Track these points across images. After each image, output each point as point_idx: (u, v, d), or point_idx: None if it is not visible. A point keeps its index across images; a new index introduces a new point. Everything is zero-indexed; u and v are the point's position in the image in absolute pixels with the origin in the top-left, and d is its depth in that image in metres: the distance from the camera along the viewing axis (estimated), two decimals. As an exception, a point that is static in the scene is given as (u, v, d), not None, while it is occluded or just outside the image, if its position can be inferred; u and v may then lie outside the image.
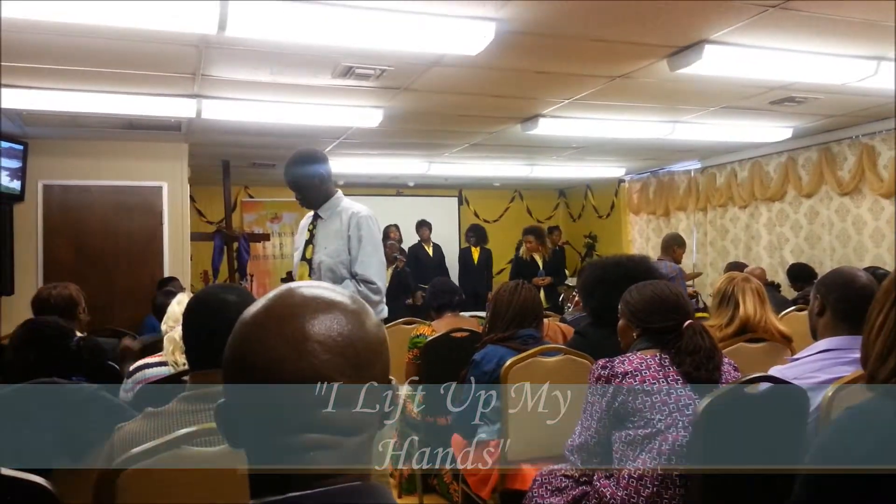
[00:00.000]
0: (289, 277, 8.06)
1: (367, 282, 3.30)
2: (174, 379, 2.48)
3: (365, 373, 0.86)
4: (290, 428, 0.83)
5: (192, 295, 2.10)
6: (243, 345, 0.86)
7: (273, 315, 0.87)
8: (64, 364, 2.45)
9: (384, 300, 3.44)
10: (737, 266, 6.17)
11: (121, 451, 1.64)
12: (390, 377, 0.94)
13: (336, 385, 0.83)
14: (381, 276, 3.36)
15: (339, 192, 3.52)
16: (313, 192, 3.43)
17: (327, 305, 0.87)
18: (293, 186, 3.44)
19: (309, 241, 3.48)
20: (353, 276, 3.31)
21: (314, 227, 3.50)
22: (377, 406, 0.90)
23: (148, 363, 2.82)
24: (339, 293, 0.91)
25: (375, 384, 0.89)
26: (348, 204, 3.48)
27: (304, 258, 3.48)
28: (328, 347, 0.84)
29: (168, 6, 3.11)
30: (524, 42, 3.85)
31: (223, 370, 0.88)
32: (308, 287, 0.91)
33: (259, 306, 0.89)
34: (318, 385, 0.83)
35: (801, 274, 6.33)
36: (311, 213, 3.57)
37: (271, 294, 0.91)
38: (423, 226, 9.16)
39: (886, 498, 1.15)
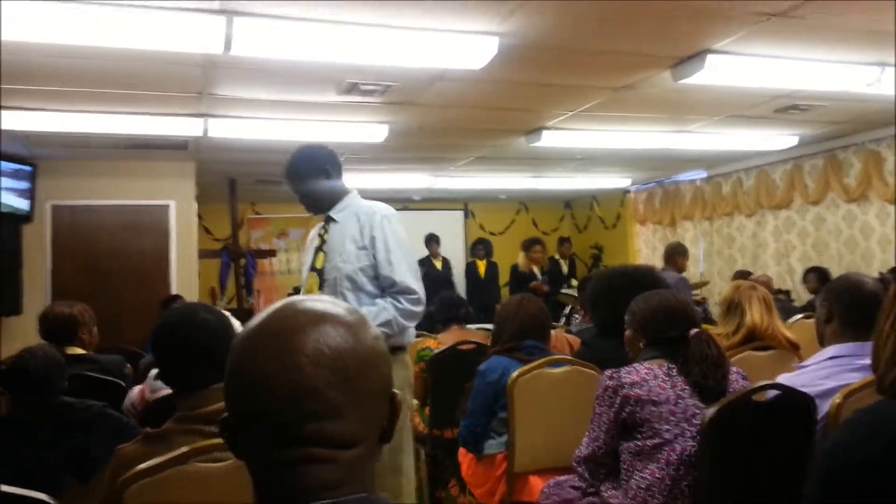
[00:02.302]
0: (295, 292, 8.07)
1: (404, 292, 2.73)
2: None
3: (357, 386, 0.86)
4: (282, 442, 0.84)
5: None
6: (237, 360, 0.87)
7: (264, 330, 0.88)
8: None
9: (423, 307, 2.86)
10: (742, 274, 6.15)
11: (121, 473, 1.64)
12: (394, 391, 0.93)
13: (324, 398, 0.84)
14: (417, 282, 2.76)
15: (354, 192, 2.94)
16: (318, 192, 2.88)
17: (318, 318, 0.87)
18: (294, 188, 2.92)
19: (319, 249, 2.91)
20: (389, 286, 2.73)
21: (325, 231, 2.92)
22: (377, 419, 0.90)
23: None
24: (335, 305, 0.91)
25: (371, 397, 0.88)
26: (365, 202, 2.90)
27: (313, 268, 2.90)
28: (315, 360, 0.84)
29: (174, 26, 3.14)
30: (527, 56, 3.87)
31: (224, 385, 0.89)
32: (304, 300, 0.91)
33: (254, 322, 0.90)
34: (305, 399, 0.83)
35: (821, 277, 6.27)
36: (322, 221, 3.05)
37: (268, 309, 0.92)
38: (431, 240, 9.16)
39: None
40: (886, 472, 1.14)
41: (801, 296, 7.08)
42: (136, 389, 3.05)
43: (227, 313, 3.00)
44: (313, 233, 3.05)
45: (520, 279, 7.99)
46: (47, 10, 2.94)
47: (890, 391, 1.27)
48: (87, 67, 3.84)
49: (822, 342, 2.43)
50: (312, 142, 3.02)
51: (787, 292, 7.18)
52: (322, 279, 2.83)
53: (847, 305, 2.34)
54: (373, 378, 0.88)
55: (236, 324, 2.82)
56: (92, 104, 4.61)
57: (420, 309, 2.79)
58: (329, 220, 2.90)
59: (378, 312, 2.66)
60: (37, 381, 2.40)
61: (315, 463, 0.83)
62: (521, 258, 8.15)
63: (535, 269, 8.06)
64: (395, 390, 0.94)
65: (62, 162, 6.33)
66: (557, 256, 9.52)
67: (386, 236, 2.75)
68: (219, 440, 1.65)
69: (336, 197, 2.90)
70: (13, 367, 2.41)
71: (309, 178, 2.86)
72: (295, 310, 0.89)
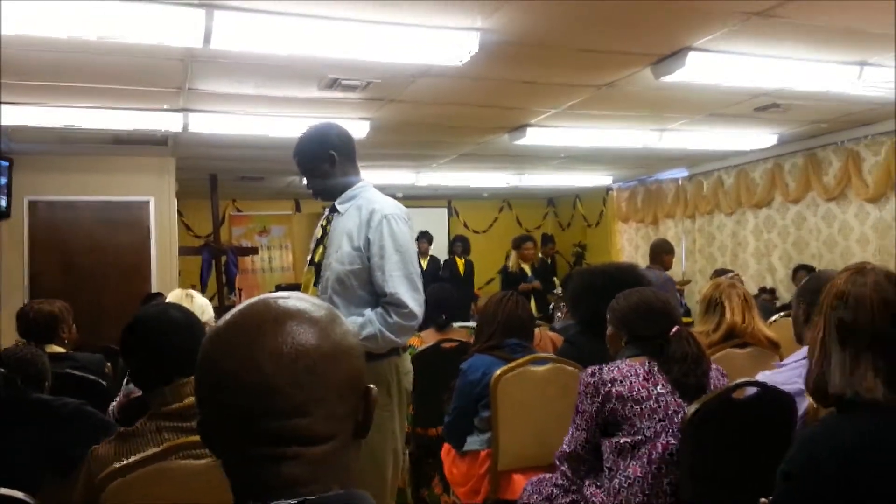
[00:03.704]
0: (278, 290, 8.01)
1: (395, 305, 2.43)
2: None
3: (322, 382, 0.86)
4: (248, 440, 0.84)
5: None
6: (204, 360, 0.88)
7: (229, 329, 0.88)
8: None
9: (418, 322, 2.56)
10: (722, 273, 6.17)
11: (97, 473, 1.64)
12: (369, 385, 0.93)
13: (286, 396, 0.84)
14: (412, 293, 2.47)
15: (364, 182, 2.66)
16: (324, 178, 2.60)
17: (283, 316, 0.88)
18: (300, 170, 2.67)
19: (320, 241, 2.63)
20: (381, 295, 2.46)
21: (328, 222, 2.64)
22: (348, 414, 0.90)
23: None
24: (303, 301, 0.91)
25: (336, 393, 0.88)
26: (372, 196, 2.60)
27: (311, 262, 2.64)
28: (276, 359, 0.84)
29: (153, 20, 3.11)
30: (509, 52, 3.87)
31: (194, 384, 0.90)
32: (272, 298, 0.91)
33: (222, 321, 0.91)
34: (267, 397, 0.83)
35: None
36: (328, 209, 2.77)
37: (237, 308, 0.92)
38: (421, 238, 9.07)
39: None
40: (841, 489, 1.18)
41: (784, 294, 7.15)
42: (115, 402, 3.01)
43: (206, 302, 2.94)
44: (319, 222, 2.78)
45: (510, 280, 7.65)
46: (25, 3, 2.90)
47: (831, 401, 1.31)
48: (67, 61, 3.79)
49: (801, 341, 2.45)
50: (323, 122, 2.73)
51: (771, 291, 7.23)
52: (318, 275, 2.58)
53: None
54: (340, 374, 0.88)
55: (209, 312, 2.80)
56: (71, 98, 4.55)
57: (413, 323, 2.51)
58: (333, 210, 2.63)
59: (363, 325, 2.41)
60: (19, 381, 2.37)
61: (283, 460, 0.84)
62: (511, 256, 7.84)
63: (525, 267, 7.90)
64: (371, 385, 0.93)
65: (39, 157, 6.24)
66: (541, 255, 9.52)
67: (382, 239, 2.45)
68: (196, 437, 1.65)
69: (342, 185, 2.61)
70: None
71: (313, 161, 2.60)
72: (260, 309, 0.90)
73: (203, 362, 0.88)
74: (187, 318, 1.89)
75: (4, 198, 5.94)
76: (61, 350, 3.36)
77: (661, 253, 6.27)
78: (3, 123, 4.90)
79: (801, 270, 6.60)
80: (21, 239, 6.24)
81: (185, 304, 2.71)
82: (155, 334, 1.82)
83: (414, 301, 2.47)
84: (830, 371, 1.30)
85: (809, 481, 1.23)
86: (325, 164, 2.59)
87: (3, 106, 4.56)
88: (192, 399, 1.71)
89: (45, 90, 4.33)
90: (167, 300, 2.79)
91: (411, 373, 2.66)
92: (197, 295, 2.93)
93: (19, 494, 1.63)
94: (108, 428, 2.27)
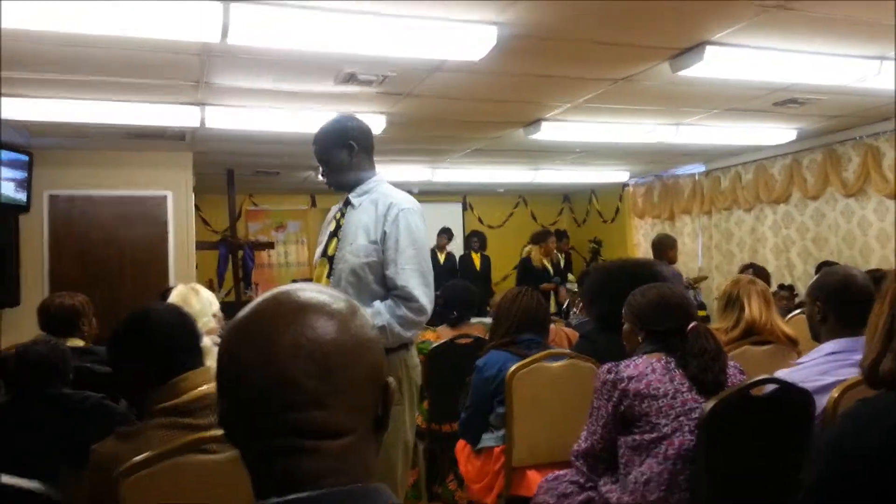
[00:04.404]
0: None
1: (406, 298, 2.45)
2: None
3: (340, 375, 0.86)
4: (265, 433, 0.84)
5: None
6: (224, 352, 0.88)
7: (248, 322, 0.88)
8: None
9: (427, 317, 2.58)
10: (750, 268, 6.09)
11: (100, 471, 1.64)
12: (388, 379, 0.93)
13: (303, 389, 0.84)
14: (423, 288, 2.49)
15: (379, 176, 2.70)
16: (339, 168, 2.63)
17: (301, 309, 0.88)
18: (317, 159, 2.70)
19: (334, 234, 2.65)
20: (392, 288, 2.49)
21: (341, 215, 2.67)
22: (366, 408, 0.89)
23: None
24: (322, 293, 0.91)
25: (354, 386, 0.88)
26: (388, 191, 2.63)
27: (324, 254, 2.65)
28: (293, 352, 0.84)
29: (170, 14, 3.12)
30: (525, 46, 3.85)
31: (216, 376, 0.90)
32: (292, 290, 0.91)
33: (241, 314, 0.90)
34: (284, 390, 0.83)
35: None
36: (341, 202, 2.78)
37: (256, 300, 0.92)
38: (441, 234, 9.05)
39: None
40: (883, 463, 1.16)
41: (803, 291, 7.08)
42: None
43: (212, 295, 2.94)
44: (330, 215, 2.80)
45: (531, 275, 7.42)
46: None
47: (881, 383, 1.30)
48: (85, 56, 3.81)
49: (817, 338, 2.43)
50: (343, 114, 2.80)
51: (790, 287, 7.16)
52: (331, 267, 2.60)
53: (842, 303, 2.34)
54: (358, 367, 0.88)
55: (216, 304, 2.80)
56: (89, 93, 4.57)
57: (422, 318, 2.53)
58: (347, 202, 2.66)
59: (372, 316, 2.39)
60: (41, 371, 2.39)
61: (300, 453, 0.84)
62: (533, 252, 7.68)
63: (547, 264, 7.76)
64: (390, 378, 0.93)
65: (59, 151, 6.29)
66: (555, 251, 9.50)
67: (399, 233, 2.48)
68: (200, 433, 1.67)
69: (358, 178, 2.64)
70: (18, 357, 2.40)
71: (330, 150, 2.63)
72: (278, 301, 0.89)
73: (223, 355, 0.88)
74: (172, 315, 1.87)
75: (24, 192, 6.00)
76: (82, 344, 3.39)
77: (665, 248, 6.23)
78: (23, 118, 4.95)
79: (825, 267, 6.52)
80: (41, 233, 6.31)
81: (191, 298, 2.70)
82: (141, 337, 1.80)
83: (425, 296, 2.49)
84: (887, 355, 1.31)
85: (850, 458, 1.22)
86: (341, 154, 2.61)
87: (24, 100, 4.60)
88: (192, 394, 1.71)
89: (62, 84, 4.36)
90: (171, 296, 2.78)
91: (419, 367, 2.68)
92: (202, 288, 2.92)
93: (35, 485, 1.65)
94: (128, 422, 2.29)
